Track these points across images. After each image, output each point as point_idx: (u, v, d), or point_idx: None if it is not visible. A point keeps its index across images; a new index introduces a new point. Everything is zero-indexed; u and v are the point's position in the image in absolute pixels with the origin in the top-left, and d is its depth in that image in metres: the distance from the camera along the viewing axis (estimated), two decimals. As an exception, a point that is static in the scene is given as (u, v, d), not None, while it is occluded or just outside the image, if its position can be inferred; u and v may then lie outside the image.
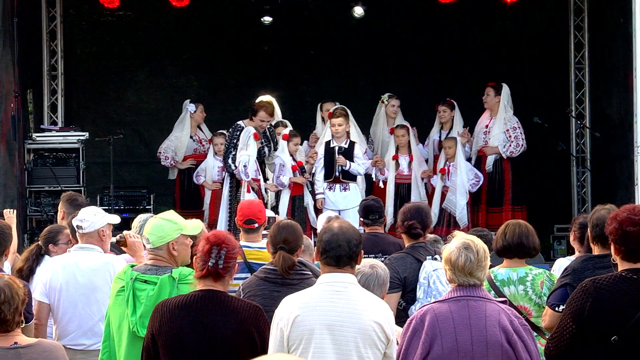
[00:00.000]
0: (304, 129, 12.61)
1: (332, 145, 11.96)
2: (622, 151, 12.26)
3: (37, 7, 13.48)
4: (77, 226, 6.70)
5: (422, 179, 12.44)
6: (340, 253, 4.76)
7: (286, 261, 5.80)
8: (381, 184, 12.34)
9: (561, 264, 7.59)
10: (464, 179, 12.32)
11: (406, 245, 6.98)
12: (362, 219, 8.26)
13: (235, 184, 11.77)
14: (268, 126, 11.51)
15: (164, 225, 5.51)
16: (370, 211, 8.14)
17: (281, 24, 14.40)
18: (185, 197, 12.76)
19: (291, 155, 11.81)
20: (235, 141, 11.47)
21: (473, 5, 13.85)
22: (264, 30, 14.33)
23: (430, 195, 12.52)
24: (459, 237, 4.84)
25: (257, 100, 11.68)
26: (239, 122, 11.67)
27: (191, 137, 12.87)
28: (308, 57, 14.60)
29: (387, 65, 14.54)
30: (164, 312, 4.91)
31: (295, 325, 4.64)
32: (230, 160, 11.44)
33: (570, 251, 7.92)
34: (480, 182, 12.51)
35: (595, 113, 13.76)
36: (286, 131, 11.76)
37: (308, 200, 11.87)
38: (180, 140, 12.82)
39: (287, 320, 4.66)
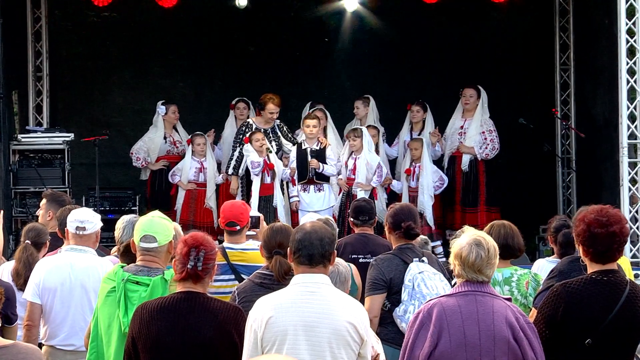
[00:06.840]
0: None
1: (304, 147, 11.96)
2: (607, 152, 12.29)
3: (22, 8, 13.43)
4: (77, 227, 6.62)
5: (382, 185, 12.16)
6: (312, 251, 4.72)
7: (282, 266, 5.68)
8: None
9: (540, 265, 7.62)
10: (429, 181, 12.23)
11: (394, 247, 6.93)
12: (352, 220, 8.23)
13: (246, 182, 11.80)
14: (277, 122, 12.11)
15: (166, 225, 5.52)
16: (360, 212, 8.11)
17: (267, 25, 14.39)
18: (156, 197, 12.73)
19: (258, 152, 11.73)
20: (241, 136, 11.96)
21: (458, 6, 13.85)
22: (250, 31, 14.32)
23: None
24: (469, 233, 4.80)
25: (262, 96, 12.13)
26: (247, 120, 12.27)
27: (165, 138, 12.86)
28: (294, 58, 14.58)
29: (373, 67, 14.54)
30: (144, 314, 4.89)
31: (268, 326, 4.61)
32: (233, 162, 11.97)
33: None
34: (444, 186, 12.40)
35: (581, 114, 13.80)
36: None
37: (277, 201, 11.79)
38: (153, 141, 12.81)
39: (261, 321, 4.63)
